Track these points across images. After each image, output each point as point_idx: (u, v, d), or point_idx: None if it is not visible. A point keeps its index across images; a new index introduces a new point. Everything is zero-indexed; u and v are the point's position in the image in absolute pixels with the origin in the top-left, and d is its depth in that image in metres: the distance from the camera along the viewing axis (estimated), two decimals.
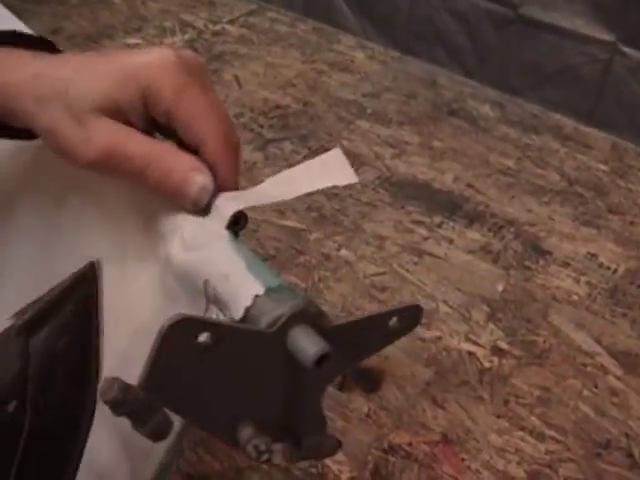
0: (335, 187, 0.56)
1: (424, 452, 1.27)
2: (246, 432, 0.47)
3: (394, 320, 0.49)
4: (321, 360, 0.42)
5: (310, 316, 0.45)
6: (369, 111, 2.19)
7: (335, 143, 2.01)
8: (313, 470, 1.22)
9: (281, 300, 0.45)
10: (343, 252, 1.66)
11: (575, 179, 1.98)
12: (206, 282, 0.49)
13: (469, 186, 1.91)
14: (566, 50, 2.23)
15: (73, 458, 0.46)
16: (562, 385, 1.40)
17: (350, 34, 2.60)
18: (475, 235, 1.75)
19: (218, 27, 2.61)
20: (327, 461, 1.23)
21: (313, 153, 1.95)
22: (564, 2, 2.19)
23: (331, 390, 1.33)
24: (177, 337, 0.41)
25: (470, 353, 1.45)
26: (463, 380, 1.39)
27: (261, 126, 2.08)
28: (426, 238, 1.73)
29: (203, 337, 0.42)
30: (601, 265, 1.71)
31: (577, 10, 2.17)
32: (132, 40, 2.48)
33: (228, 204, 0.52)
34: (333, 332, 0.46)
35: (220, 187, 0.54)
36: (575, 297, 1.61)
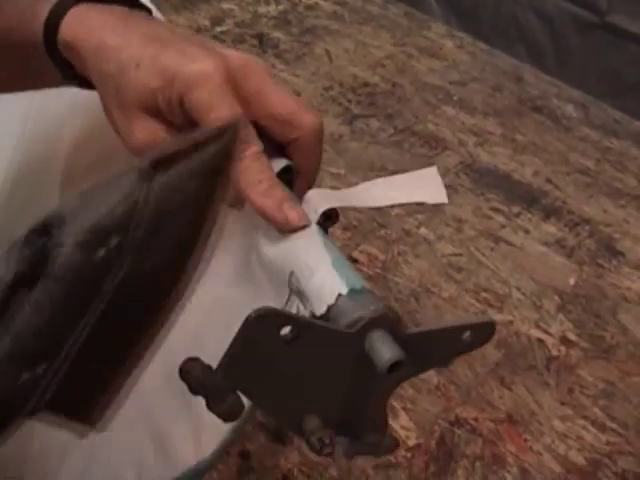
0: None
1: (489, 428, 1.30)
2: (311, 424, 0.47)
3: (467, 334, 0.49)
4: (394, 366, 0.43)
5: (388, 322, 0.45)
6: (455, 98, 2.23)
7: (421, 125, 2.04)
8: None
9: (363, 303, 0.46)
10: (423, 230, 1.69)
11: None
12: (292, 274, 0.50)
13: (548, 181, 1.94)
14: None
15: (148, 333, 0.43)
16: (627, 381, 1.43)
17: (440, 22, 2.63)
18: (551, 229, 1.78)
19: (311, 1, 2.64)
20: (395, 426, 1.28)
21: (399, 132, 1.99)
22: None
23: None
24: (261, 328, 0.42)
25: (539, 340, 1.48)
26: (531, 365, 1.43)
27: (349, 101, 2.12)
28: (503, 226, 1.76)
29: (285, 330, 0.43)
30: None
31: None
32: (226, 5, 2.53)
33: (321, 200, 0.53)
34: (408, 340, 0.46)
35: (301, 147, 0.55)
36: None
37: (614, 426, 1.34)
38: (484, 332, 0.50)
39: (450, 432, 1.28)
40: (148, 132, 0.53)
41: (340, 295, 0.46)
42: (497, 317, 1.51)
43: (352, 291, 0.47)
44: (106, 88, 0.53)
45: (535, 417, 1.33)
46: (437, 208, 1.76)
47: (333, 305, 0.46)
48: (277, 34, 2.40)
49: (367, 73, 2.27)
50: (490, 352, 1.43)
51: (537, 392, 1.38)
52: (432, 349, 0.49)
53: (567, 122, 2.21)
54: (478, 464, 1.24)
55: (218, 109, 0.50)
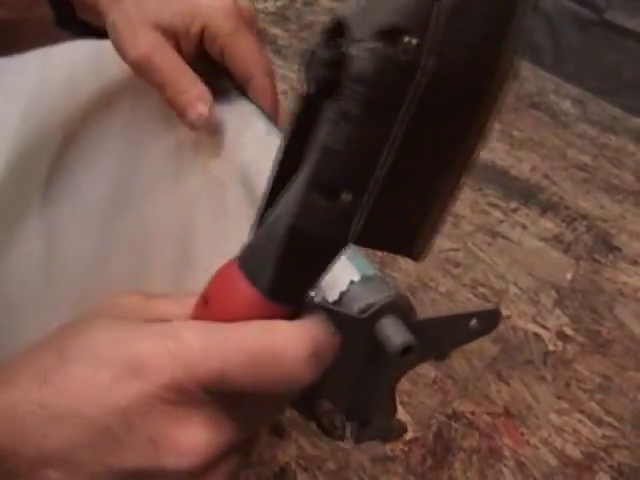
0: None
1: (485, 422, 1.31)
2: (323, 407, 0.48)
3: (474, 321, 0.50)
4: (406, 351, 0.44)
5: (400, 308, 0.46)
6: None
7: None
8: None
9: (375, 289, 0.46)
10: None
11: None
12: None
13: (545, 177, 1.94)
14: None
15: (461, 151, 0.38)
16: (623, 376, 1.44)
17: None
18: (548, 224, 1.79)
19: None
20: None
21: None
22: None
23: None
24: None
25: (536, 335, 1.49)
26: (528, 359, 1.43)
27: None
28: (501, 221, 1.76)
29: None
30: None
31: None
32: None
33: None
34: (418, 326, 0.47)
35: (266, 110, 0.64)
36: None
37: (610, 420, 1.35)
38: (490, 320, 0.51)
39: (447, 426, 1.29)
40: (152, 42, 0.59)
41: (352, 282, 0.47)
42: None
43: (364, 278, 0.48)
44: (119, 7, 0.59)
45: (532, 411, 1.34)
46: None
47: (345, 291, 0.47)
48: (275, 30, 2.40)
49: None
50: (487, 346, 1.44)
51: (534, 386, 1.38)
52: (440, 336, 0.50)
53: (565, 118, 2.22)
54: (475, 457, 1.25)
55: (239, 36, 0.61)
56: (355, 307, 0.45)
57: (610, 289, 1.63)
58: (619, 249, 1.76)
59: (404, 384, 1.34)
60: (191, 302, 0.42)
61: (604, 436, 1.32)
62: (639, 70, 2.26)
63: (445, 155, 0.37)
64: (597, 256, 1.72)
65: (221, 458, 0.39)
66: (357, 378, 0.49)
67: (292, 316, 0.41)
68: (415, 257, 0.40)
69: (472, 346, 1.43)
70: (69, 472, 0.37)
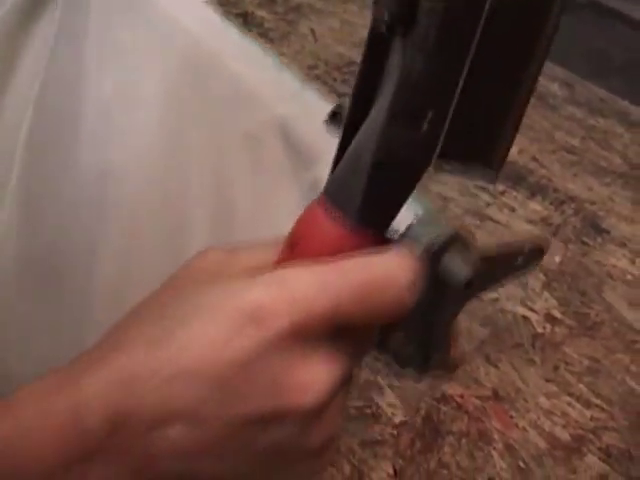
0: None
1: (474, 405, 1.31)
2: (398, 339, 0.49)
3: (520, 258, 0.50)
4: (469, 284, 0.44)
5: (461, 244, 0.46)
6: None
7: None
8: (367, 410, 1.27)
9: (437, 224, 0.47)
10: None
11: (638, 164, 2.00)
12: None
13: (534, 159, 1.94)
14: (636, 41, 2.24)
15: (532, 64, 0.39)
16: (611, 358, 1.44)
17: None
18: (536, 207, 1.78)
19: None
20: (381, 403, 1.28)
21: None
22: None
23: None
24: None
25: (525, 317, 1.49)
26: (517, 342, 1.43)
27: (334, 79, 2.11)
28: (489, 204, 1.76)
29: None
30: None
31: None
32: None
33: None
34: (476, 261, 0.47)
35: None
36: (629, 277, 1.64)
37: (598, 402, 1.35)
38: (534, 257, 0.52)
39: (436, 409, 1.29)
40: None
41: (415, 217, 0.48)
42: (482, 295, 1.51)
43: (425, 213, 0.49)
44: None
45: (521, 394, 1.34)
46: (422, 186, 1.76)
47: (410, 226, 0.47)
48: (262, 13, 2.38)
49: (353, 52, 2.26)
50: (476, 329, 1.44)
51: (523, 369, 1.38)
52: (492, 271, 0.51)
53: (552, 100, 2.22)
54: (464, 440, 1.25)
55: None
56: (423, 241, 0.46)
57: (598, 272, 1.63)
58: (607, 232, 1.76)
59: (392, 367, 1.33)
60: (273, 249, 0.43)
61: (592, 418, 1.32)
62: (627, 53, 2.27)
63: (516, 72, 0.39)
64: (585, 239, 1.72)
65: (336, 393, 0.40)
66: (421, 312, 0.49)
67: (379, 245, 0.42)
68: (494, 168, 0.41)
69: (461, 328, 1.42)
70: (191, 426, 0.37)
